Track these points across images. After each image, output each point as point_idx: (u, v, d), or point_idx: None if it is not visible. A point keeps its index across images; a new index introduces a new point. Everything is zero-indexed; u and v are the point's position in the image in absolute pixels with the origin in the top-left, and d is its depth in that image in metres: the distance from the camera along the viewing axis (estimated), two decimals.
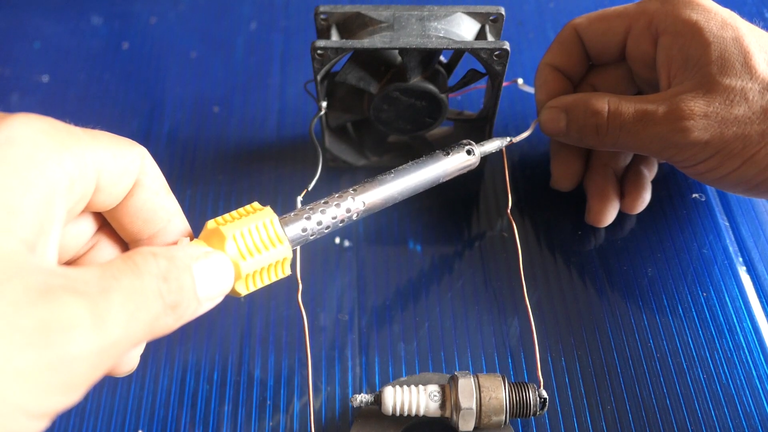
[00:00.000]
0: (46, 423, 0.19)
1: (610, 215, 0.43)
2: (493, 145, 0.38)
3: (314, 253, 0.44)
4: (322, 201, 0.30)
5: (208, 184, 0.48)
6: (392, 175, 0.33)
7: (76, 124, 0.24)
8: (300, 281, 0.35)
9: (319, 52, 0.38)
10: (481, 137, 0.39)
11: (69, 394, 0.19)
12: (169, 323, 0.22)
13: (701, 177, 0.38)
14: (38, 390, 0.18)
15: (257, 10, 0.58)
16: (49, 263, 0.21)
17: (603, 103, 0.38)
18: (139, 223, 0.26)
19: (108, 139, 0.24)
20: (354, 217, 0.31)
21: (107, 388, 0.39)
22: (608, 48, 0.41)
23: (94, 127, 0.24)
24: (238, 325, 0.41)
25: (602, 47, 0.42)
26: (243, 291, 0.26)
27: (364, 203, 0.31)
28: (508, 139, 0.39)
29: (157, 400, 0.39)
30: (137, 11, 0.59)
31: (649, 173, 0.44)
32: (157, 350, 0.40)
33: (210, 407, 0.39)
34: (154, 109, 0.52)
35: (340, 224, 0.30)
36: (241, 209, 0.27)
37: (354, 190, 0.31)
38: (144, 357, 0.40)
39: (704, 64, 0.35)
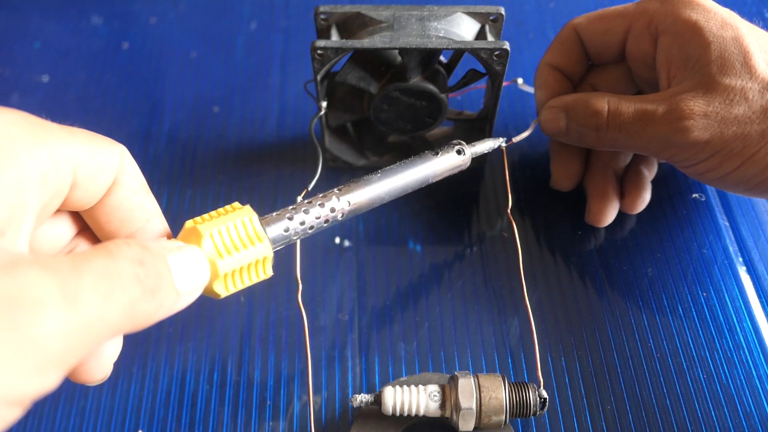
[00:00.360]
0: (20, 410, 0.18)
1: (610, 215, 0.43)
2: (485, 146, 0.37)
3: (314, 253, 0.44)
4: (306, 201, 0.30)
5: (208, 184, 0.48)
6: (379, 175, 0.32)
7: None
8: (300, 281, 0.35)
9: (319, 52, 0.38)
10: (480, 137, 0.38)
11: (42, 377, 0.18)
12: (149, 310, 0.21)
13: (701, 177, 0.38)
14: (7, 373, 0.17)
15: (257, 10, 0.58)
16: (17, 248, 0.20)
17: (603, 103, 0.38)
18: (116, 223, 0.25)
19: (85, 135, 0.23)
20: (339, 218, 0.30)
21: (107, 388, 0.39)
22: (608, 48, 0.41)
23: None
24: (238, 325, 0.41)
25: (602, 47, 0.42)
26: (222, 292, 0.26)
27: (349, 203, 0.30)
28: (502, 139, 0.39)
29: (157, 400, 0.39)
30: (137, 11, 0.59)
31: (649, 173, 0.44)
32: (157, 350, 0.40)
33: (210, 407, 0.39)
34: (154, 109, 0.52)
35: (325, 224, 0.30)
36: (220, 209, 0.27)
37: (339, 189, 0.31)
38: (144, 357, 0.40)
39: (704, 64, 0.35)
